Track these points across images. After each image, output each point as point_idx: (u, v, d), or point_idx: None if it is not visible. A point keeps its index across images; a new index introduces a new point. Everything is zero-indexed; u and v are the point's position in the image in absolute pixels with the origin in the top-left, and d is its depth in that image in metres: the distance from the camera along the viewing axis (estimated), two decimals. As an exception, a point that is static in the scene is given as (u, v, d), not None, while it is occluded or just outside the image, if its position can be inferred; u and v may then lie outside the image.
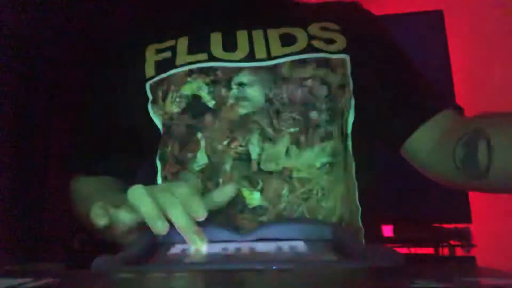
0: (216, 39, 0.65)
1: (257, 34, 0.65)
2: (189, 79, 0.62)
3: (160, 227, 0.44)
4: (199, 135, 0.59)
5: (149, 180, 0.62)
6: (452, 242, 1.33)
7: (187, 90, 0.61)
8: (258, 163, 0.57)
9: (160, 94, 0.63)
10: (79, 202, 0.67)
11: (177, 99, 0.61)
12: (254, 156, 0.57)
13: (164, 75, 0.64)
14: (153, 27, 0.73)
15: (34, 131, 1.46)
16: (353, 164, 0.62)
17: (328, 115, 0.60)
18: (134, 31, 0.74)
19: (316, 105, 0.60)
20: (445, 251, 1.35)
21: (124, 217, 0.48)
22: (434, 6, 1.51)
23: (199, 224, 0.45)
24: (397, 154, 0.67)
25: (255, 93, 0.60)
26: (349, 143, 0.62)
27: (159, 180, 0.62)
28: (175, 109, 0.61)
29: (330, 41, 0.65)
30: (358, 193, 0.61)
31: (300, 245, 0.44)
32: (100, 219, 0.45)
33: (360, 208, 0.60)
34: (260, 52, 0.63)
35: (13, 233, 1.35)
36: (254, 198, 0.56)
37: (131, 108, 0.66)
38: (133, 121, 0.67)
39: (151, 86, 0.65)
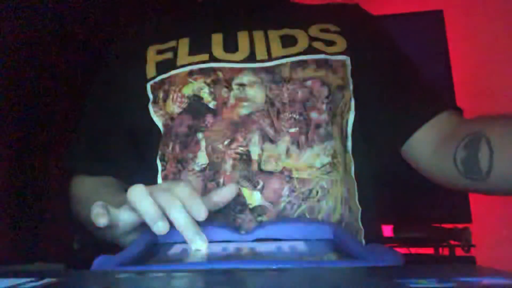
0: (217, 40, 0.65)
1: (258, 35, 0.65)
2: (190, 79, 0.62)
3: (160, 227, 0.44)
4: (200, 135, 0.59)
5: (150, 180, 0.62)
6: (452, 242, 1.33)
7: (188, 90, 0.61)
8: (259, 163, 0.57)
9: (161, 94, 0.63)
10: (79, 202, 0.67)
11: (178, 100, 0.62)
12: (254, 156, 0.57)
13: (165, 76, 0.64)
14: (154, 28, 0.73)
15: (34, 131, 1.46)
16: (353, 164, 0.62)
17: (328, 116, 0.60)
18: (136, 32, 0.74)
19: (316, 105, 0.60)
20: (445, 251, 1.35)
21: (124, 217, 0.48)
22: (434, 6, 1.50)
23: (199, 224, 0.45)
24: (397, 155, 0.67)
25: (256, 93, 0.60)
26: (349, 143, 0.62)
27: (159, 180, 0.62)
28: (176, 109, 0.61)
29: (331, 43, 0.65)
30: (358, 193, 0.61)
31: (300, 245, 0.44)
32: (100, 219, 0.45)
33: (360, 208, 0.60)
34: (261, 53, 0.63)
35: (13, 233, 1.35)
36: (254, 198, 0.56)
37: (132, 108, 0.66)
38: (134, 121, 0.67)
39: (152, 86, 0.65)
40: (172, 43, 0.67)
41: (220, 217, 0.54)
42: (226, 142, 0.58)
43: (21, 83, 1.41)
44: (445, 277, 0.27)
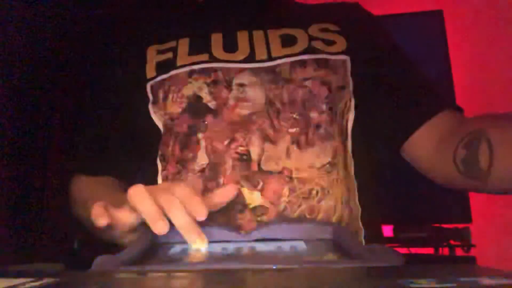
0: (216, 40, 0.65)
1: (258, 35, 0.65)
2: (190, 79, 0.62)
3: (160, 227, 0.44)
4: (200, 135, 0.59)
5: (150, 180, 0.62)
6: (452, 242, 1.33)
7: (188, 90, 0.61)
8: (259, 163, 0.57)
9: (161, 94, 0.63)
10: (79, 202, 0.67)
11: (178, 100, 0.61)
12: (254, 156, 0.57)
13: (165, 76, 0.64)
14: (154, 28, 0.73)
15: (34, 131, 1.46)
16: (353, 164, 0.62)
17: (328, 116, 0.60)
18: (136, 32, 0.74)
19: (316, 105, 0.60)
20: (445, 251, 1.35)
21: (124, 217, 0.48)
22: (434, 6, 1.51)
23: (199, 224, 0.45)
24: (397, 154, 0.67)
25: (256, 93, 0.60)
26: (349, 143, 0.62)
27: (160, 180, 0.62)
28: (175, 109, 0.61)
29: (330, 42, 0.65)
30: (358, 193, 0.61)
31: (300, 245, 0.44)
32: (100, 219, 0.45)
33: (360, 208, 0.60)
34: (261, 52, 0.63)
35: (13, 233, 1.35)
36: (254, 198, 0.56)
37: (132, 108, 0.66)
38: (134, 121, 0.67)
39: (152, 86, 0.65)
40: (172, 43, 0.67)
41: (220, 217, 0.54)
42: (226, 142, 0.58)
43: (20, 83, 1.41)
44: (445, 277, 0.27)
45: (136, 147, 0.68)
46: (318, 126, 0.59)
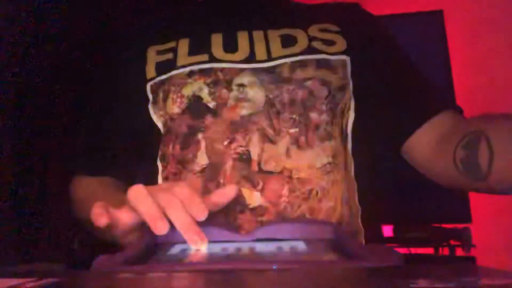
0: (217, 40, 0.65)
1: (258, 35, 0.65)
2: (190, 80, 0.62)
3: (160, 227, 0.44)
4: (200, 135, 0.59)
5: (150, 180, 0.62)
6: (452, 242, 1.33)
7: (187, 91, 0.61)
8: (259, 163, 0.57)
9: (161, 95, 0.63)
10: (79, 202, 0.67)
11: (178, 100, 0.62)
12: (254, 156, 0.57)
13: (165, 76, 0.64)
14: (155, 28, 0.73)
15: (34, 131, 1.46)
16: (353, 164, 0.62)
17: (328, 116, 0.60)
18: (136, 32, 0.74)
19: (316, 105, 0.60)
20: (445, 251, 1.35)
21: (124, 217, 0.48)
22: (434, 6, 1.51)
23: (199, 224, 0.45)
24: (397, 155, 0.67)
25: (256, 94, 0.60)
26: (349, 143, 0.62)
27: (160, 180, 0.62)
28: (175, 109, 0.61)
29: (330, 43, 0.65)
30: (358, 193, 0.61)
31: (300, 245, 0.44)
32: (100, 219, 0.45)
33: (360, 208, 0.60)
34: (261, 53, 0.63)
35: (13, 233, 1.35)
36: (254, 198, 0.56)
37: (131, 108, 0.66)
38: (134, 121, 0.67)
39: (151, 87, 0.65)
40: (172, 44, 0.67)
41: (220, 217, 0.54)
42: (226, 142, 0.58)
43: (21, 83, 1.41)
44: (445, 277, 0.27)
45: (136, 147, 0.68)
46: (318, 126, 0.59)
